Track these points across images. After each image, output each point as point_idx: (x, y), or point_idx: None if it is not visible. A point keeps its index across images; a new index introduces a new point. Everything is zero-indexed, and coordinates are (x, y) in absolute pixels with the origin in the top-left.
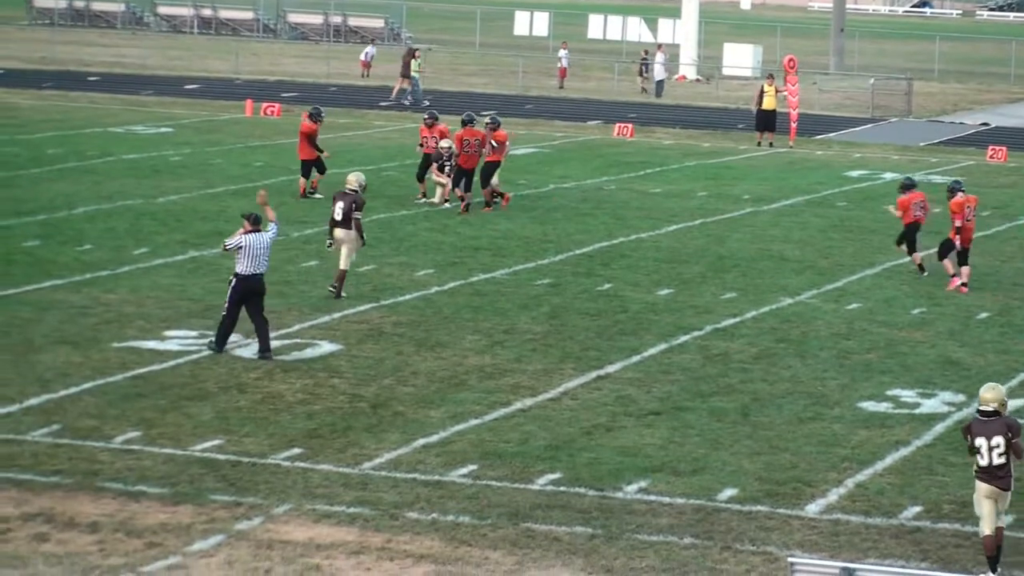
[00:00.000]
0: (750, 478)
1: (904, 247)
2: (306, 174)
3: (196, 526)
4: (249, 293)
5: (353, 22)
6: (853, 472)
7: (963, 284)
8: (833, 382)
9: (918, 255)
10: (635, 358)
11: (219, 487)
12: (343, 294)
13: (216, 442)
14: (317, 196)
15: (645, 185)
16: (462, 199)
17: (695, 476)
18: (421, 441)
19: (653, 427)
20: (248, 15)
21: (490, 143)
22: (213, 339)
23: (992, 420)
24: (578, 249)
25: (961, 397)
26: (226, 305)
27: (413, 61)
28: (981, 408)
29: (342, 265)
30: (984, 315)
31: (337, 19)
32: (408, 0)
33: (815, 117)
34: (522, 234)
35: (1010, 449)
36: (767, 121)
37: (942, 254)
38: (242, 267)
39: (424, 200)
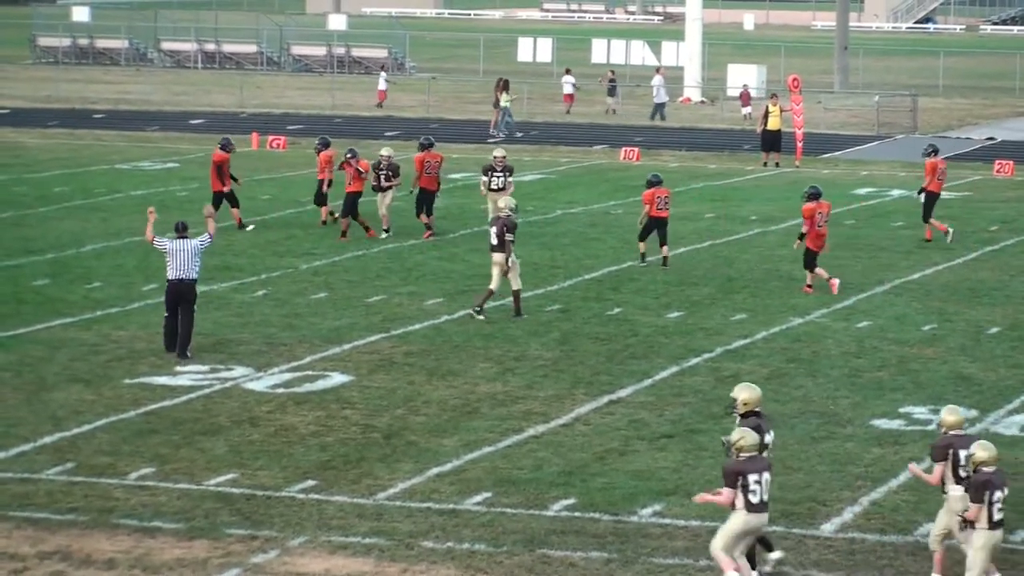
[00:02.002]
0: None
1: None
2: (217, 205)
3: (212, 560)
4: (178, 297)
5: (356, 53)
6: (867, 490)
7: (809, 286)
8: (845, 400)
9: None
10: (646, 382)
11: (234, 521)
12: (523, 314)
13: (230, 476)
14: (250, 228)
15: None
16: (428, 226)
17: None
18: (435, 470)
19: (666, 450)
20: (251, 48)
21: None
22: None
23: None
24: (587, 274)
25: (974, 413)
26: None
27: (504, 94)
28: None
29: (514, 286)
30: (995, 330)
31: (340, 50)
32: (411, 30)
33: (821, 136)
34: (530, 260)
35: None
36: (772, 141)
37: (809, 264)
38: (171, 272)
39: (327, 221)
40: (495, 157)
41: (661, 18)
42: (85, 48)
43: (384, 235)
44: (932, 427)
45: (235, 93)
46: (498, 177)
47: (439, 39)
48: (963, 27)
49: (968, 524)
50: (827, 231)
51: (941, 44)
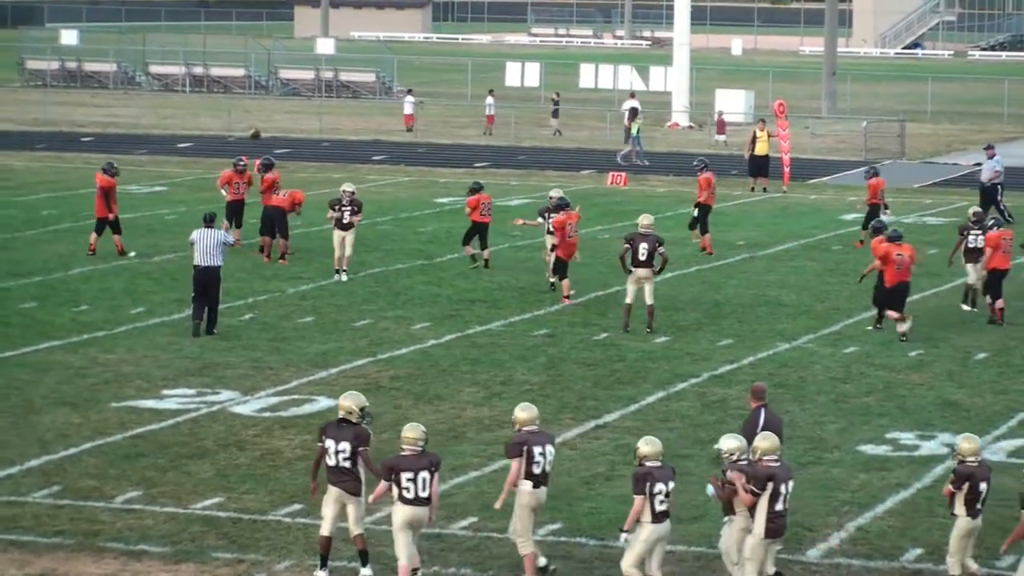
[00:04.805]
0: None
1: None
2: (100, 231)
3: None
4: (204, 282)
5: (344, 77)
6: (853, 515)
7: (567, 296)
8: (832, 426)
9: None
10: (633, 407)
11: (221, 545)
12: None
13: (217, 500)
14: (131, 255)
15: None
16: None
17: (695, 523)
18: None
19: None
20: (239, 72)
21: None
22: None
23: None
24: (574, 299)
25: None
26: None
27: (634, 122)
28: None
29: (648, 300)
30: (982, 355)
31: (328, 74)
32: (399, 54)
33: (808, 161)
34: (517, 285)
35: None
36: (760, 167)
37: (558, 271)
38: (197, 259)
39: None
40: (551, 198)
41: (649, 43)
42: (73, 71)
43: (343, 277)
44: (919, 453)
45: (223, 116)
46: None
47: (427, 63)
48: (951, 53)
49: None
50: (577, 239)
51: (929, 70)
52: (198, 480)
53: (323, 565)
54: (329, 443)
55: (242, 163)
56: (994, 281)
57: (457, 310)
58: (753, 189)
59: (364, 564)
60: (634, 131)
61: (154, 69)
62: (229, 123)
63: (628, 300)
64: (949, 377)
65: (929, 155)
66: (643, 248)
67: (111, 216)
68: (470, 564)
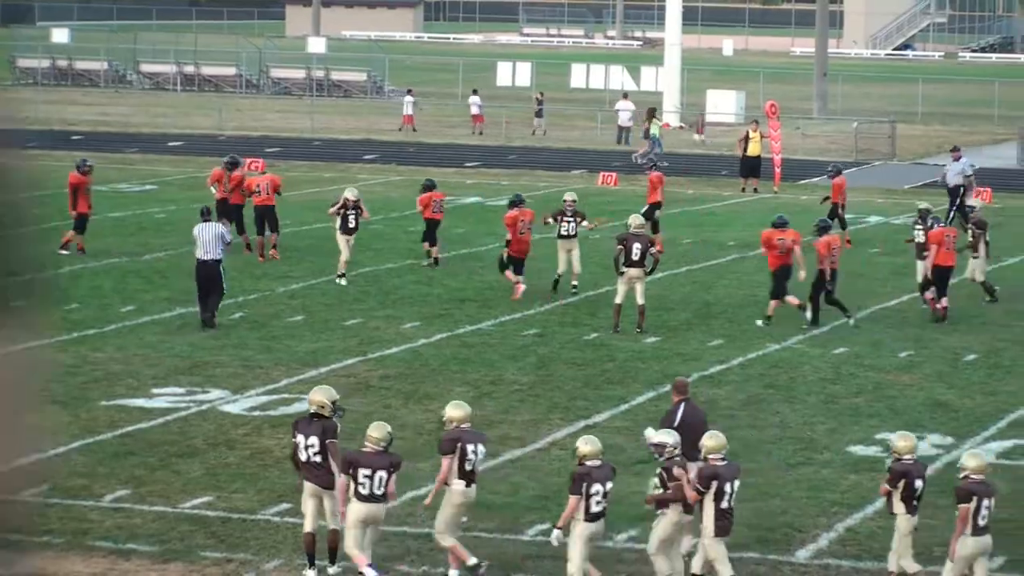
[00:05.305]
0: (740, 525)
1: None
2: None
3: None
4: (206, 275)
5: (336, 76)
6: (843, 516)
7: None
8: (821, 427)
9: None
10: (623, 407)
11: (209, 544)
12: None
13: (206, 499)
14: (63, 253)
15: None
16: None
17: None
18: (410, 494)
19: (641, 476)
20: (230, 71)
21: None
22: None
23: None
24: (564, 299)
25: (950, 439)
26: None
27: (653, 122)
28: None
29: (639, 300)
30: (972, 356)
31: (320, 73)
32: (390, 53)
33: (799, 162)
34: (508, 285)
35: None
36: (752, 167)
37: (503, 268)
38: (199, 253)
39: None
40: (565, 201)
41: (640, 43)
42: (64, 70)
43: (343, 282)
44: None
45: (214, 115)
46: (568, 222)
47: (418, 63)
48: (942, 54)
49: None
50: (529, 236)
51: (920, 71)
52: (187, 479)
53: (311, 564)
54: (299, 438)
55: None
56: (939, 278)
57: (447, 309)
58: (744, 190)
59: (332, 562)
60: (654, 131)
61: (145, 68)
62: (220, 122)
63: (618, 300)
64: (939, 378)
65: (919, 156)
66: (636, 248)
67: (83, 212)
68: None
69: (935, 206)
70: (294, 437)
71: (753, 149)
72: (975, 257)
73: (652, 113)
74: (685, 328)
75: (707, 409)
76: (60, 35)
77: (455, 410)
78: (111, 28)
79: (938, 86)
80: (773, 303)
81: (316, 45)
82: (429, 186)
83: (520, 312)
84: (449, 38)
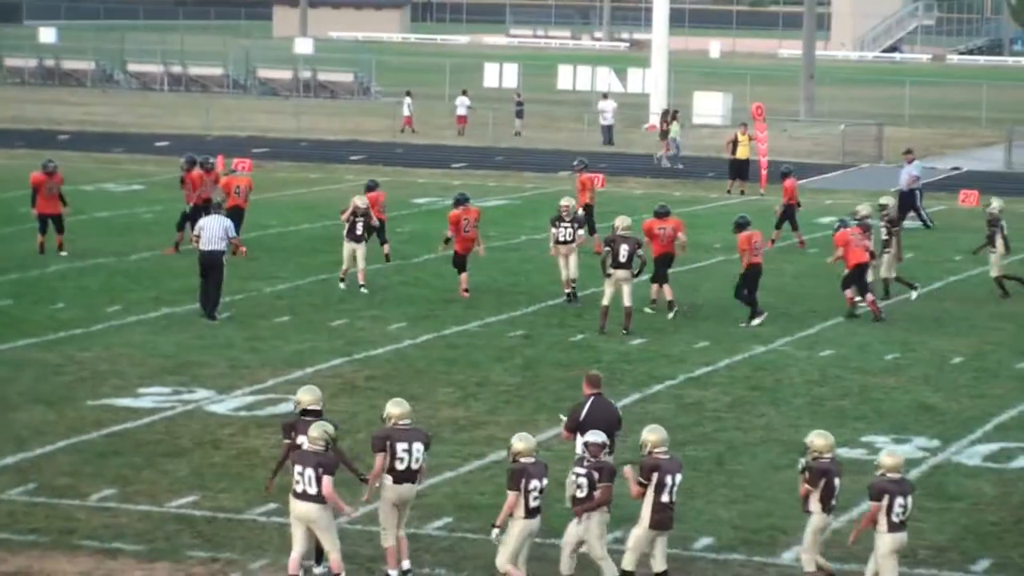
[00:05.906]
0: (725, 527)
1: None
2: (50, 228)
3: None
4: (209, 266)
5: (323, 77)
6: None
7: (465, 290)
8: (807, 429)
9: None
10: None
11: (196, 543)
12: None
13: (192, 498)
14: (62, 254)
15: None
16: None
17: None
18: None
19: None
20: (217, 71)
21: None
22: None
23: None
24: (551, 300)
25: (936, 442)
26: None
27: (674, 124)
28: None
29: (626, 302)
30: (958, 360)
31: (307, 74)
32: (377, 54)
33: (786, 164)
34: (494, 286)
35: None
36: (740, 170)
37: (456, 265)
38: (203, 244)
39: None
40: (561, 206)
41: (627, 45)
42: (51, 69)
43: (343, 286)
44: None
45: (201, 116)
46: (566, 228)
47: (405, 64)
48: (930, 57)
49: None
50: (474, 234)
51: (907, 73)
52: (173, 479)
53: (318, 562)
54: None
55: (210, 162)
56: (857, 276)
57: (433, 310)
58: (730, 191)
59: (318, 562)
60: (673, 133)
61: (132, 68)
62: (207, 122)
63: (605, 302)
64: (925, 381)
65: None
66: (623, 250)
67: (49, 212)
68: (444, 564)
69: (929, 208)
70: (288, 437)
71: (741, 152)
72: (886, 254)
73: (674, 115)
74: (671, 330)
75: (694, 411)
76: (47, 35)
77: (394, 408)
78: (98, 28)
79: (926, 89)
80: (654, 287)
81: (303, 46)
82: (371, 187)
83: (506, 313)
84: (436, 39)
